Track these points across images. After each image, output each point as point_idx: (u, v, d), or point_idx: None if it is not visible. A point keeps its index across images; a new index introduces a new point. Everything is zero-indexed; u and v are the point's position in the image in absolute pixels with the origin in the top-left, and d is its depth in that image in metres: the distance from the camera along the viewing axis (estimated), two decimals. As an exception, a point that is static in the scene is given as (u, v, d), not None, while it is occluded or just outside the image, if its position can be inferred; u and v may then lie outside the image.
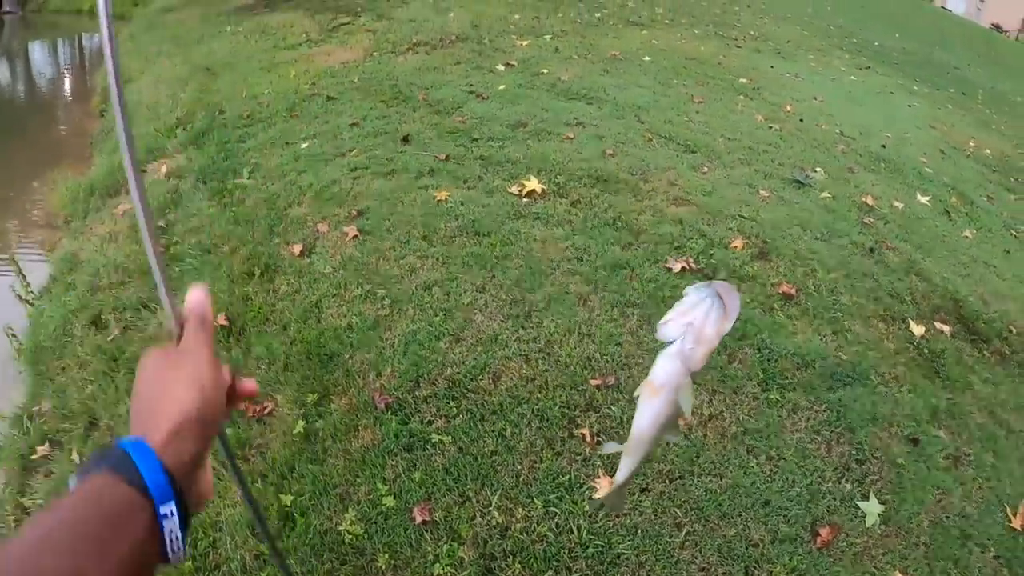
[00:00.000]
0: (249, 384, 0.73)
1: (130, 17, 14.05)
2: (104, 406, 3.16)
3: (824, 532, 2.52)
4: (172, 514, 0.54)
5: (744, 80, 8.20)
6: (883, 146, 7.01)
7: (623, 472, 0.84)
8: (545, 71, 7.19)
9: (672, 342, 0.71)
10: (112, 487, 0.53)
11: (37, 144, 8.27)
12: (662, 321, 0.72)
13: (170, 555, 0.56)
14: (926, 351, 3.60)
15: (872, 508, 2.63)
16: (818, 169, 5.70)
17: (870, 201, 5.25)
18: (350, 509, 2.50)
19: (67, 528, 0.49)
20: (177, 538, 0.55)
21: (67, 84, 11.66)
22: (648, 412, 0.74)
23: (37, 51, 14.43)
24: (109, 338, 3.54)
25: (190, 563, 2.35)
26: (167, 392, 0.61)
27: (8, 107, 10.43)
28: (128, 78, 9.21)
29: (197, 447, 0.60)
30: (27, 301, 4.42)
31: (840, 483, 2.73)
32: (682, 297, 0.72)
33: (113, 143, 6.80)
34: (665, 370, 0.71)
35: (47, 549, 0.46)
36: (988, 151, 8.30)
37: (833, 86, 9.26)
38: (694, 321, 0.69)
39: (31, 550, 0.46)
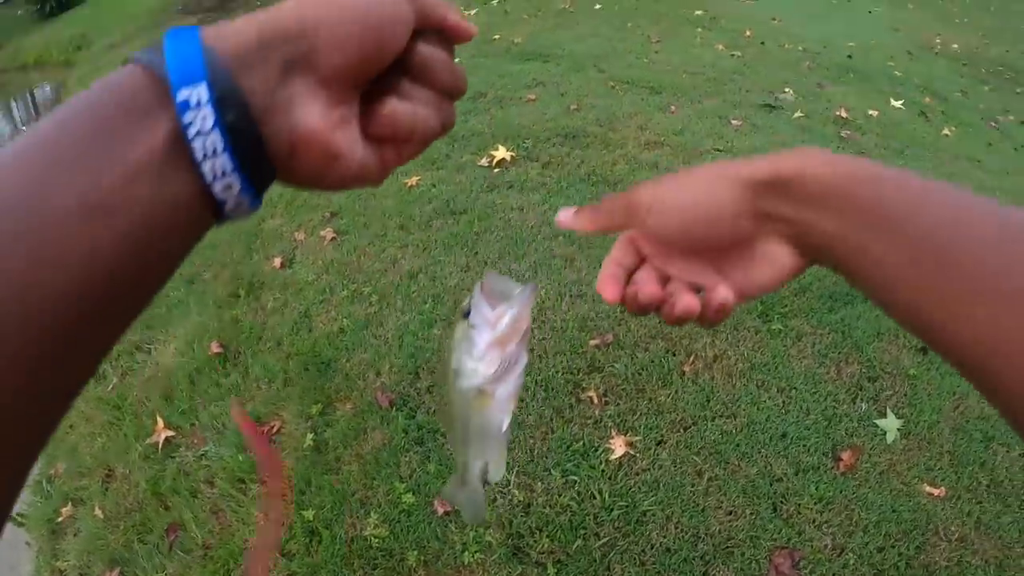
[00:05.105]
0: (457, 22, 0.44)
1: (75, 62, 13.86)
2: (116, 455, 3.11)
3: (846, 456, 2.50)
4: (200, 103, 0.33)
5: (699, 12, 8.10)
6: (849, 56, 6.94)
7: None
8: (497, 36, 7.08)
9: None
10: (119, 76, 0.35)
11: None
12: (486, 356, 0.57)
13: (215, 188, 0.35)
14: (921, 256, 3.56)
15: (891, 424, 2.60)
16: (787, 90, 5.64)
17: (844, 113, 5.20)
18: (372, 513, 2.47)
19: (40, 138, 0.32)
20: (217, 150, 0.34)
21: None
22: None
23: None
24: (109, 387, 3.49)
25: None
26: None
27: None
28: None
29: (310, 55, 0.38)
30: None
31: (855, 404, 2.71)
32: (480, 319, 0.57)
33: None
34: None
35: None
36: (956, 46, 8.23)
37: (790, 4, 9.15)
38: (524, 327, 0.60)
39: None
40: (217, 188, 0.35)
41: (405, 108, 0.42)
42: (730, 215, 0.46)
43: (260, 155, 0.36)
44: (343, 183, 0.41)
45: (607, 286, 0.53)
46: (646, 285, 0.51)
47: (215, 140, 0.34)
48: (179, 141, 0.33)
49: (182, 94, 0.33)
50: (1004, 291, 0.36)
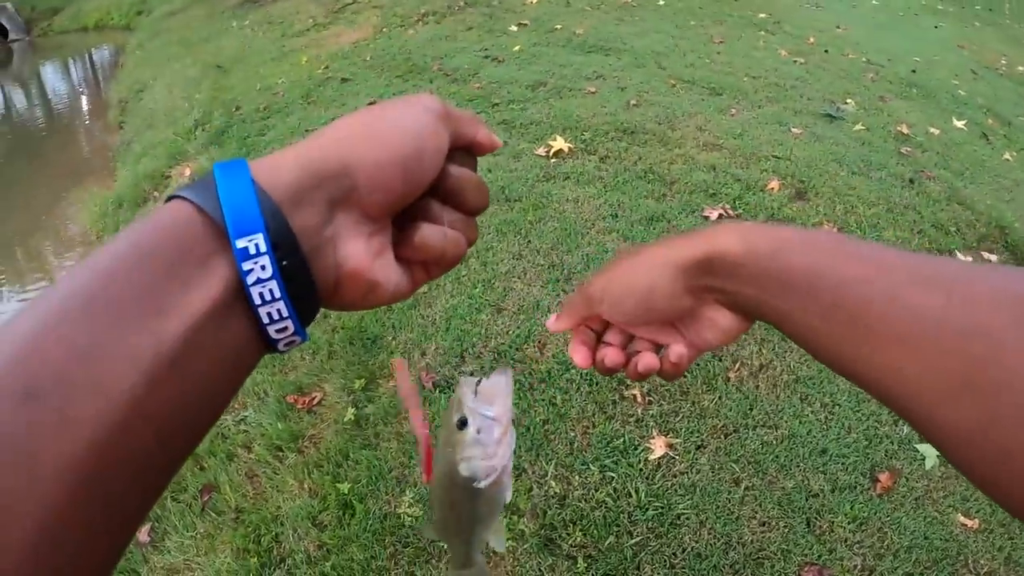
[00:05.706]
0: (486, 138, 0.47)
1: (135, 27, 14.04)
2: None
3: (884, 478, 2.49)
4: (259, 252, 0.34)
5: (763, 15, 7.99)
6: (913, 71, 6.81)
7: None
8: (559, 26, 7.06)
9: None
10: (174, 218, 0.35)
11: (63, 164, 8.25)
12: (499, 451, 0.59)
13: (270, 330, 0.37)
14: (975, 282, 3.51)
15: (931, 451, 2.58)
16: (849, 101, 5.57)
17: (905, 130, 5.12)
18: (407, 491, 2.51)
19: (103, 282, 0.32)
20: (275, 296, 0.35)
21: (83, 101, 11.55)
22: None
23: (49, 73, 14.13)
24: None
25: (255, 560, 2.38)
26: (346, 126, 0.43)
27: (30, 132, 10.35)
28: (142, 86, 9.23)
29: (356, 196, 0.40)
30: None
31: (897, 426, 2.69)
32: (471, 420, 0.59)
33: (135, 154, 6.81)
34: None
35: (58, 317, 0.31)
36: (1021, 68, 8.04)
37: (855, 13, 9.01)
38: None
39: (39, 322, 0.31)
40: (272, 330, 0.37)
41: (436, 234, 0.44)
42: (668, 295, 0.52)
43: (310, 294, 0.38)
44: (376, 305, 0.44)
45: (578, 354, 0.59)
46: (610, 353, 0.57)
47: (272, 287, 0.35)
48: (237, 288, 0.35)
49: (241, 243, 0.34)
50: (904, 338, 0.39)
